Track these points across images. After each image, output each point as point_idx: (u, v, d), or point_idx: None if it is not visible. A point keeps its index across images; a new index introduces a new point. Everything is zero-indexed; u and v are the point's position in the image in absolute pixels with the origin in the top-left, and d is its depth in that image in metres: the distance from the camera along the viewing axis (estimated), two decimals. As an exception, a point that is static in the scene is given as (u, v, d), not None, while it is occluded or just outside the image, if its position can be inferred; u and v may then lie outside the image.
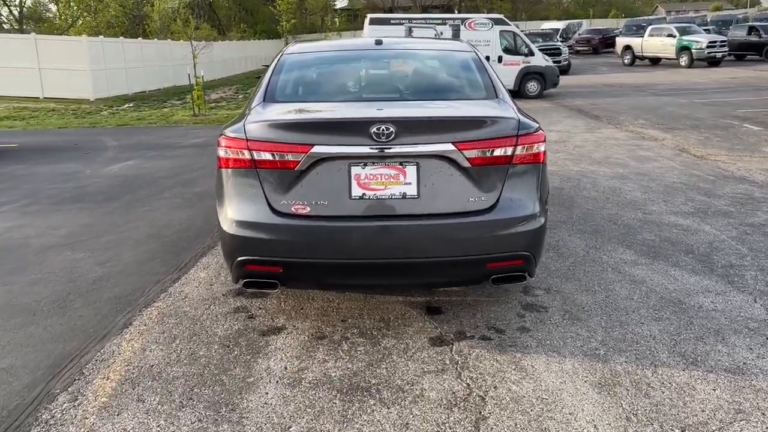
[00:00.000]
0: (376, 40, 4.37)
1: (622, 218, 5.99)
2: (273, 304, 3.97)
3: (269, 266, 3.22)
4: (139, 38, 30.57)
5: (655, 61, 30.50)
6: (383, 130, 3.09)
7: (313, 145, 3.13)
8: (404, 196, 3.16)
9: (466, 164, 3.16)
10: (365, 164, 3.15)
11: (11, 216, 6.52)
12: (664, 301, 4.02)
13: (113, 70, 23.99)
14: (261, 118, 3.39)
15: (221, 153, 3.32)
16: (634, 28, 36.38)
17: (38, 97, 22.78)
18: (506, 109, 3.49)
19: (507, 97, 3.73)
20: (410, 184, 3.17)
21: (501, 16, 20.12)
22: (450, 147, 3.14)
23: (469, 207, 3.19)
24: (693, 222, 5.83)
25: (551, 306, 3.95)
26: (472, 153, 3.16)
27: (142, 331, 3.63)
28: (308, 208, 3.17)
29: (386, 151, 3.12)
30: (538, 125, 3.40)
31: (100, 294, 4.25)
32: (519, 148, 3.24)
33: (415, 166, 3.16)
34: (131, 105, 21.40)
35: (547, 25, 46.88)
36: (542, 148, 3.35)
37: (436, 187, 3.17)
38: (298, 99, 3.86)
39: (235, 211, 3.24)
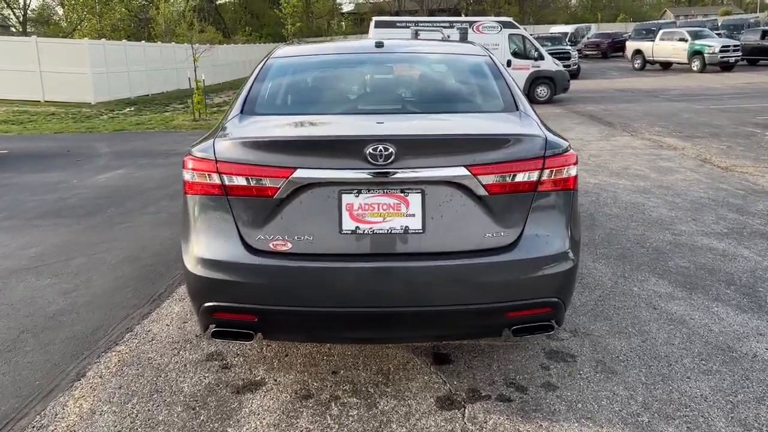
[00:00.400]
0: (376, 42, 3.80)
1: (650, 240, 5.39)
2: (253, 349, 3.40)
3: (242, 314, 2.65)
4: (143, 41, 30.13)
5: (666, 66, 29.84)
6: (381, 150, 2.52)
7: (295, 168, 2.57)
8: (406, 230, 2.59)
9: (482, 192, 2.59)
10: (359, 191, 2.59)
11: (-19, 233, 5.99)
12: (711, 348, 3.43)
13: (115, 74, 23.55)
14: (234, 134, 2.84)
15: (186, 176, 2.77)
16: (644, 32, 35.70)
17: (39, 101, 22.37)
18: (529, 125, 2.92)
19: (529, 109, 3.15)
20: (414, 215, 2.60)
21: (510, 19, 19.55)
22: (462, 171, 2.57)
23: (485, 244, 2.62)
24: (729, 245, 5.24)
25: (580, 354, 3.36)
26: (490, 179, 2.59)
27: (95, 386, 3.06)
28: (290, 245, 2.61)
29: (385, 176, 2.55)
30: (567, 144, 2.83)
31: (56, 333, 3.69)
32: (546, 172, 2.66)
33: (420, 195, 2.59)
34: (132, 109, 20.95)
35: (556, 29, 46.25)
36: (573, 172, 2.78)
37: (446, 220, 2.60)
38: (283, 111, 3.30)
39: (202, 247, 2.68)
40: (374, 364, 3.22)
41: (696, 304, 4.04)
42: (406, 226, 2.59)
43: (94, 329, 3.73)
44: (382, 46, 3.78)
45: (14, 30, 42.18)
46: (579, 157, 9.75)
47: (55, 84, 22.22)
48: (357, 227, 2.59)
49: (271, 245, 2.61)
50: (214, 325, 2.71)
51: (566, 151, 2.76)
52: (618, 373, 3.16)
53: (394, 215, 2.59)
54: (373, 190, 2.59)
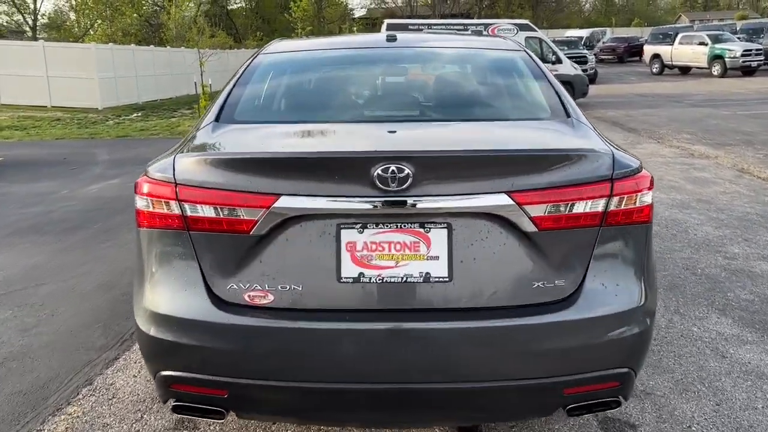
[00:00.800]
0: (388, 36, 3.15)
1: (701, 265, 4.70)
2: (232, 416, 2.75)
3: (208, 388, 2.00)
4: (152, 46, 29.78)
5: (685, 71, 29.00)
6: (394, 171, 1.87)
7: (279, 195, 1.92)
8: (427, 278, 1.94)
9: (530, 227, 1.92)
10: (364, 226, 1.94)
11: (-50, 251, 5.41)
12: (806, 414, 2.74)
13: (123, 79, 23.14)
14: (202, 149, 2.20)
15: (138, 203, 2.13)
16: (661, 36, 34.87)
17: (46, 106, 21.98)
18: (588, 136, 2.26)
19: (582, 116, 2.49)
20: (437, 258, 1.94)
21: (526, 21, 18.89)
22: (503, 200, 1.91)
23: (534, 298, 1.95)
24: (794, 272, 4.54)
25: (642, 422, 2.68)
26: (540, 209, 1.92)
27: (30, 468, 2.43)
28: (271, 297, 1.96)
29: (399, 205, 1.90)
30: (639, 162, 2.16)
31: (1, 387, 3.06)
32: (615, 199, 2.00)
33: (446, 230, 1.94)
34: (139, 114, 20.46)
35: (571, 33, 45.53)
36: (649, 199, 2.11)
37: (480, 265, 1.94)
38: (269, 119, 2.64)
39: (157, 298, 2.03)
40: (383, 438, 2.56)
41: (772, 350, 3.35)
42: (427, 273, 1.94)
43: (47, 381, 3.10)
44: (395, 39, 3.13)
45: (27, 35, 42.04)
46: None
47: (62, 89, 21.83)
48: (361, 274, 1.94)
49: (246, 297, 1.96)
50: (173, 399, 2.07)
51: (639, 171, 2.10)
52: (695, 453, 2.48)
53: (410, 258, 1.94)
54: (383, 224, 1.93)
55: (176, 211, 1.99)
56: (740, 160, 9.43)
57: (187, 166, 2.03)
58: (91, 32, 38.51)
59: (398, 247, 1.94)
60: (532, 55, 3.01)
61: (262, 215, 1.92)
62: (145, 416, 2.75)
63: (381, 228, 1.94)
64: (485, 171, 1.96)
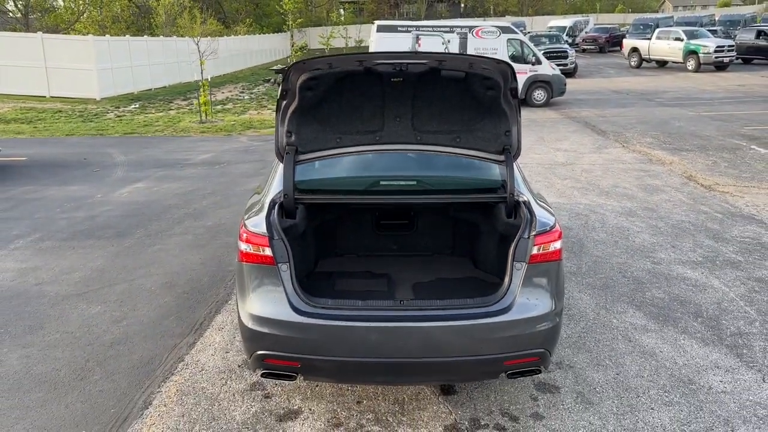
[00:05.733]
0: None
1: (631, 269, 6.03)
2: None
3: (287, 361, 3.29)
4: (145, 35, 30.46)
5: (662, 64, 30.41)
6: None
7: None
8: None
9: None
10: None
11: (25, 254, 6.58)
12: (674, 380, 4.08)
13: (119, 69, 23.98)
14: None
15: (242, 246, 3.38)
16: (641, 27, 36.23)
17: (45, 96, 22.82)
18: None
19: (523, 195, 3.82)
20: None
21: (508, 24, 20.05)
22: None
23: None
24: (701, 275, 5.87)
25: (564, 385, 4.00)
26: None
27: (162, 414, 3.70)
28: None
29: None
30: (554, 220, 3.46)
31: (118, 363, 4.31)
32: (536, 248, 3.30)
33: None
34: (137, 106, 21.42)
35: (554, 23, 46.62)
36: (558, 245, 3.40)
37: None
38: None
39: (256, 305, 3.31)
40: (391, 396, 3.86)
41: (666, 336, 4.68)
42: None
43: (150, 359, 4.36)
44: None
45: (11, 16, 42.13)
46: (572, 172, 10.43)
47: (60, 79, 22.66)
48: None
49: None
50: (261, 369, 3.36)
51: (553, 227, 3.39)
52: (594, 405, 3.80)
53: None
54: None
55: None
56: (691, 166, 10.77)
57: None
58: (82, 19, 38.91)
59: None
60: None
61: None
62: (228, 382, 4.03)
63: None
64: None
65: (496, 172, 4.01)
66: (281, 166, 3.82)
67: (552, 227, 3.41)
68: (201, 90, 17.77)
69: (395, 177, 4.10)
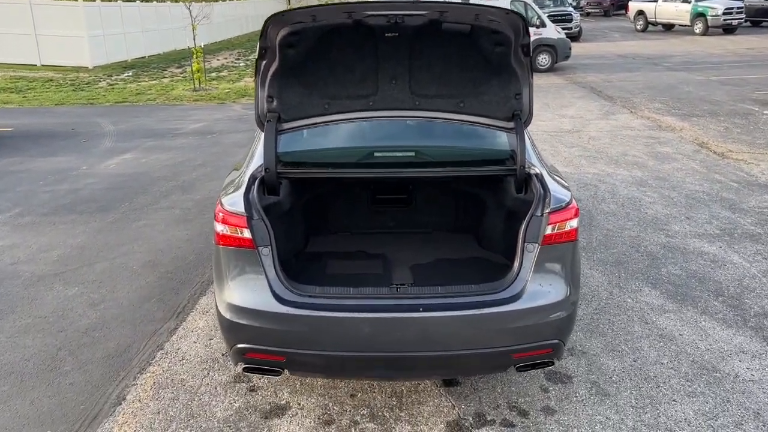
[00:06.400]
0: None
1: (645, 243, 5.66)
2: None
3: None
4: (137, 1, 29.59)
5: (668, 27, 29.57)
6: None
7: None
8: None
9: None
10: None
11: (2, 231, 6.22)
12: (697, 368, 3.74)
13: (111, 36, 23.28)
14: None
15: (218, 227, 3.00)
16: (647, -13, 35.19)
17: (35, 65, 22.20)
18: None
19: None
20: None
21: (513, -15, 19.30)
22: None
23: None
24: (720, 249, 5.51)
25: (576, 374, 3.67)
26: None
27: (136, 411, 3.37)
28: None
29: None
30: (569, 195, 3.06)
31: (92, 352, 3.98)
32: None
33: None
34: (130, 74, 20.84)
35: (558, -15, 45.36)
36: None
37: None
38: None
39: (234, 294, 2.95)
40: (389, 387, 3.52)
41: (685, 317, 4.33)
42: None
43: (127, 347, 4.02)
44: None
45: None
46: (579, 140, 9.98)
47: (51, 47, 22.00)
48: None
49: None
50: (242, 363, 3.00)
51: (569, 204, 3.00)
52: (611, 396, 3.47)
53: None
54: None
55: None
56: (702, 133, 10.33)
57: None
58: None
59: None
60: None
61: None
62: (210, 373, 3.69)
63: None
64: None
65: (504, 140, 3.59)
66: (263, 136, 3.43)
67: (568, 204, 3.02)
68: (194, 57, 17.20)
69: (391, 148, 3.68)
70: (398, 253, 3.82)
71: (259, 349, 2.92)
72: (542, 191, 3.07)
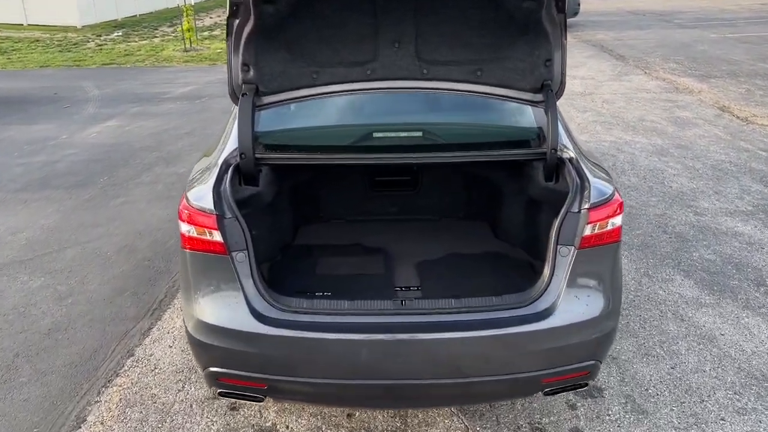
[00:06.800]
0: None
1: (672, 223, 5.13)
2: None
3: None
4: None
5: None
6: None
7: None
8: None
9: None
10: None
11: (-32, 210, 5.70)
12: (745, 376, 3.26)
13: (102, -7, 22.31)
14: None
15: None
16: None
17: (22, 24, 21.32)
18: None
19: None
20: None
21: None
22: None
23: None
24: (755, 229, 4.98)
25: (608, 386, 3.18)
26: None
27: (98, 436, 2.90)
28: None
29: None
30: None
31: (53, 358, 3.48)
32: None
33: None
34: (120, 33, 19.99)
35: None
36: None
37: None
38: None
39: None
40: (391, 405, 3.04)
41: (725, 313, 3.84)
42: None
43: (93, 352, 3.53)
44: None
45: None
46: (592, 103, 9.36)
47: (38, 6, 21.08)
48: None
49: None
50: None
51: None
52: (649, 414, 2.99)
53: None
54: None
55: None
56: (722, 96, 9.69)
57: None
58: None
59: None
60: None
61: None
62: (185, 386, 3.21)
63: None
64: None
65: (530, 117, 3.01)
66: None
67: (611, 197, 2.48)
68: (184, 15, 16.35)
69: (393, 126, 3.09)
70: (401, 247, 3.30)
71: (234, 374, 2.42)
72: (579, 181, 2.52)
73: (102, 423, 2.97)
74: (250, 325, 2.33)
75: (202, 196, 2.47)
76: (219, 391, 2.57)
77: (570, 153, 2.75)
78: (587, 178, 2.52)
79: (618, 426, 2.92)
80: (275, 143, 2.88)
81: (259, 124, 2.83)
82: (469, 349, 2.33)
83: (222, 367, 2.43)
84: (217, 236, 2.37)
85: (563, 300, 2.36)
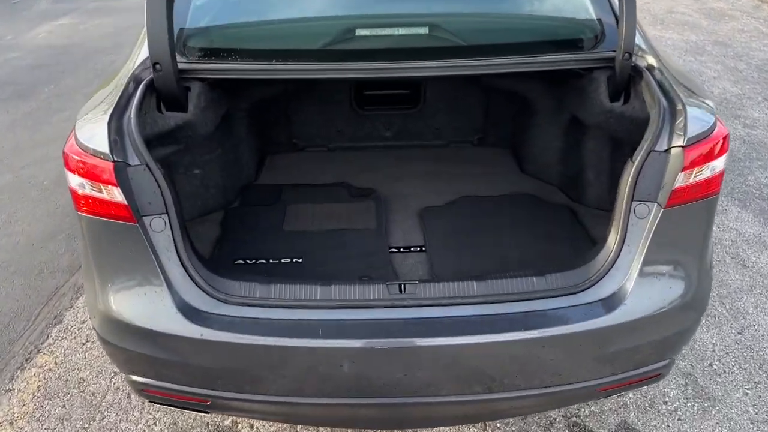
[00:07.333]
0: None
1: (719, 137, 4.31)
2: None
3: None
4: None
5: None
6: None
7: None
8: None
9: None
10: None
11: None
12: (832, 344, 2.59)
13: None
14: None
15: None
16: None
17: None
18: None
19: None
20: None
21: None
22: None
23: None
24: (820, 145, 4.20)
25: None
26: None
27: (3, 444, 2.23)
28: None
29: None
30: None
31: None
32: None
33: None
34: None
35: None
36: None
37: None
38: None
39: None
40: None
41: (796, 256, 3.13)
42: None
43: (12, 318, 2.81)
44: None
45: None
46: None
47: None
48: None
49: None
50: None
51: None
52: (716, 401, 2.33)
53: None
54: None
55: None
56: (760, -18, 8.55)
57: None
58: None
59: None
60: None
61: None
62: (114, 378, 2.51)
63: None
64: None
65: (584, 3, 2.11)
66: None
67: (712, 129, 1.66)
68: None
69: (385, 20, 2.15)
70: (398, 187, 2.50)
71: (163, 387, 1.71)
72: (667, 104, 1.69)
73: (11, 424, 2.29)
74: (176, 324, 1.57)
75: (94, 134, 1.64)
76: (149, 400, 1.87)
77: (650, 60, 1.90)
78: (681, 99, 1.68)
79: (678, 419, 2.27)
80: (209, 45, 1.98)
81: (188, 17, 1.95)
82: (498, 357, 1.60)
83: (146, 378, 1.71)
84: (118, 194, 1.57)
85: (637, 283, 1.60)
